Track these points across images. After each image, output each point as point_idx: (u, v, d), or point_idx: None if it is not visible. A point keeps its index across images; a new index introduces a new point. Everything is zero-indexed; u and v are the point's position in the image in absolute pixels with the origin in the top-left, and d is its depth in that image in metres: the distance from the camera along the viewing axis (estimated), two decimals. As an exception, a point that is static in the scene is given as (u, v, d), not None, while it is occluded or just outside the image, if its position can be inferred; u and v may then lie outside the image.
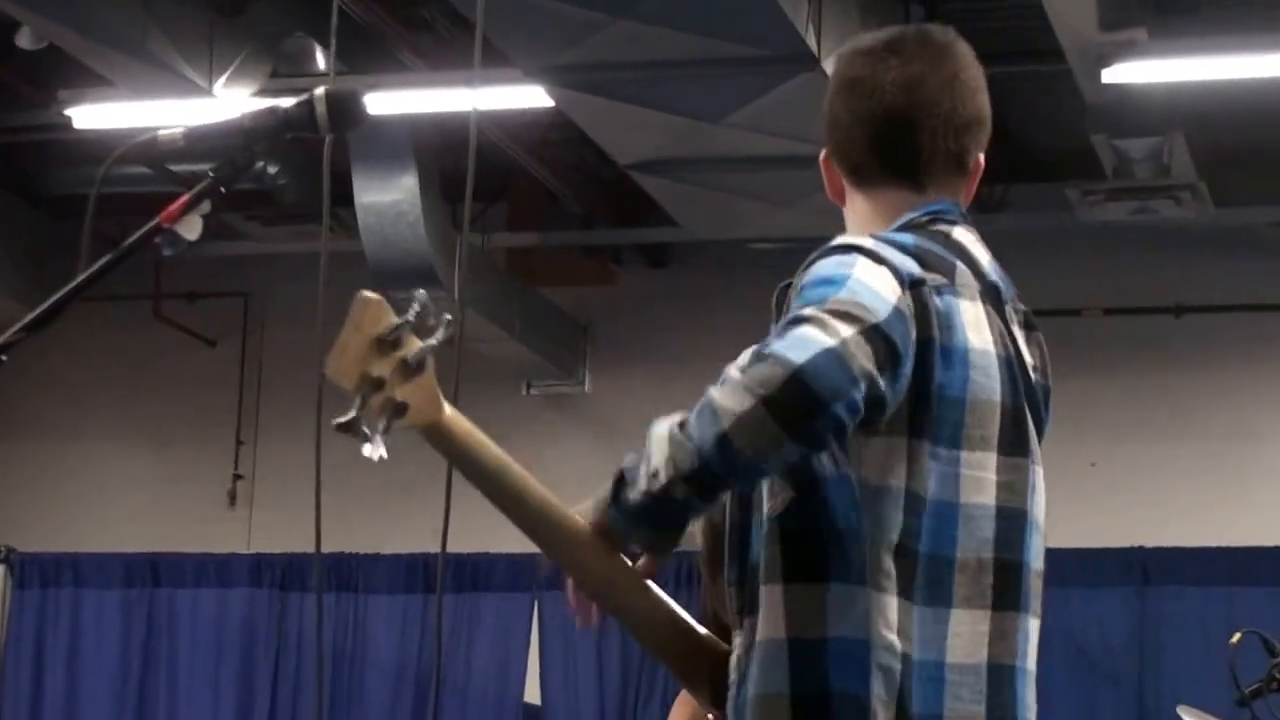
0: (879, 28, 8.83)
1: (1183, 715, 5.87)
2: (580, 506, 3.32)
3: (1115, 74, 8.33)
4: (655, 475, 3.14)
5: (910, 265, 3.27)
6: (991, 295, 3.42)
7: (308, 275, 9.95)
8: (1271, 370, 10.83)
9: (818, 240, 3.46)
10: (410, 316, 3.23)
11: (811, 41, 7.79)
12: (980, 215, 10.31)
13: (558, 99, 8.70)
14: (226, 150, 3.38)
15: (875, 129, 3.51)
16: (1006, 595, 3.33)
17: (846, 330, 3.08)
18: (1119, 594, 10.46)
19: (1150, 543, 10.37)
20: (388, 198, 9.47)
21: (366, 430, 3.19)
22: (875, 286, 3.19)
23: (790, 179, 8.82)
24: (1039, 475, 3.46)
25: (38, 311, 3.25)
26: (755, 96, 8.15)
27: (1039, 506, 3.45)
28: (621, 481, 3.21)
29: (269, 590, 11.33)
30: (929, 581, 3.26)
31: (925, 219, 3.47)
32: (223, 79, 8.73)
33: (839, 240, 3.32)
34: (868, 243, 3.28)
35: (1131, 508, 10.66)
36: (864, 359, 3.07)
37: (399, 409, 3.23)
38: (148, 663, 11.45)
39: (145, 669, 11.45)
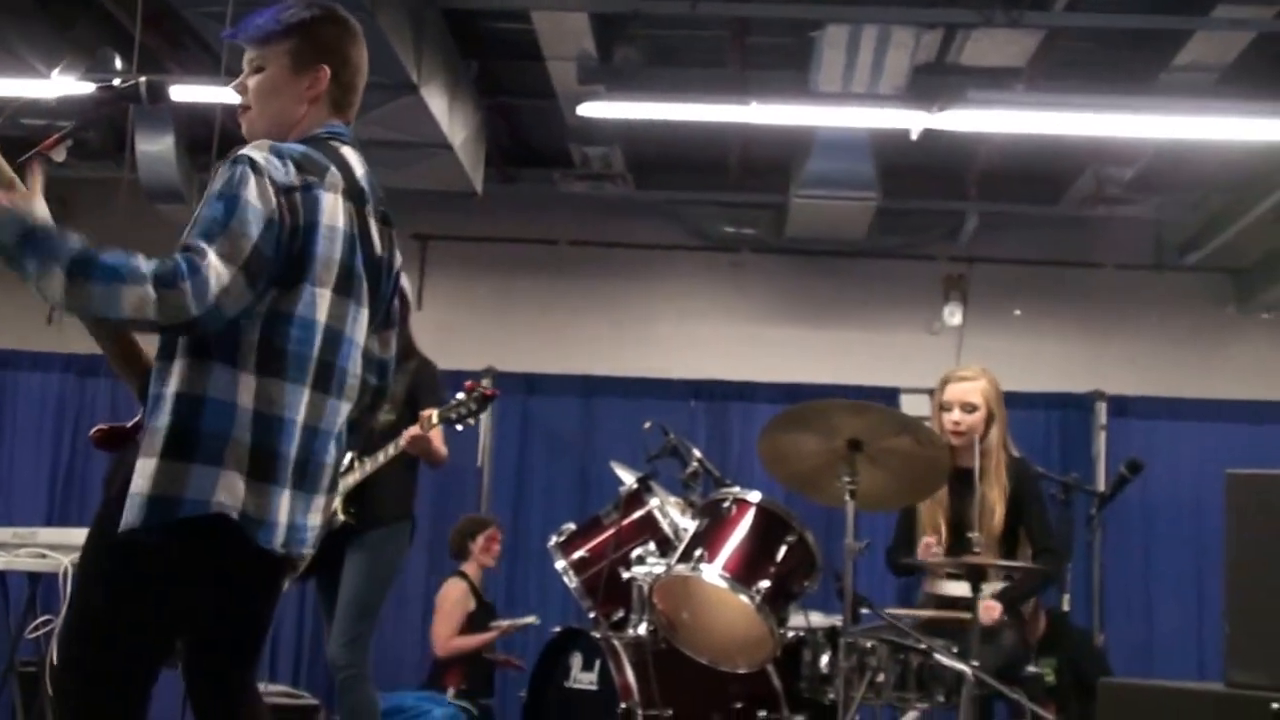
0: (469, 72, 8.47)
1: (614, 466, 5.80)
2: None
3: (585, 109, 8.25)
4: (53, 266, 2.77)
5: (288, 174, 3.02)
6: (355, 194, 3.16)
7: (102, 196, 9.11)
8: (662, 281, 10.76)
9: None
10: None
11: (413, 74, 7.48)
12: (501, 185, 10.19)
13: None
14: (82, 109, 3.28)
15: (351, 77, 3.29)
16: (326, 383, 3.09)
17: (227, 274, 2.85)
18: (570, 402, 10.44)
19: (595, 372, 10.45)
20: (155, 148, 9.03)
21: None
22: (256, 203, 2.92)
23: (396, 161, 8.44)
24: (363, 314, 3.19)
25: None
26: (375, 108, 7.70)
27: (359, 333, 3.18)
28: (46, 235, 2.80)
29: (73, 376, 10.72)
30: (290, 367, 3.00)
31: (326, 135, 3.22)
32: (57, 69, 8.17)
33: (246, 151, 3.01)
34: (260, 157, 2.98)
35: (582, 350, 10.58)
36: (236, 295, 2.87)
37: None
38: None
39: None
